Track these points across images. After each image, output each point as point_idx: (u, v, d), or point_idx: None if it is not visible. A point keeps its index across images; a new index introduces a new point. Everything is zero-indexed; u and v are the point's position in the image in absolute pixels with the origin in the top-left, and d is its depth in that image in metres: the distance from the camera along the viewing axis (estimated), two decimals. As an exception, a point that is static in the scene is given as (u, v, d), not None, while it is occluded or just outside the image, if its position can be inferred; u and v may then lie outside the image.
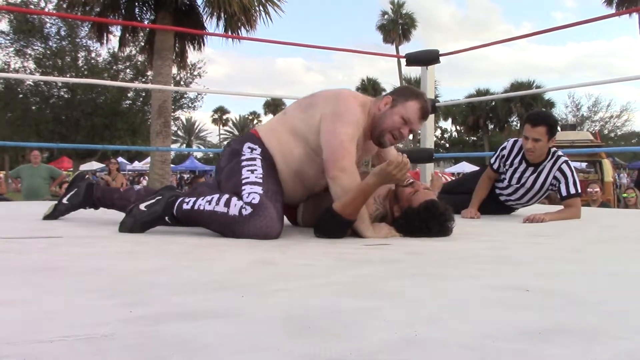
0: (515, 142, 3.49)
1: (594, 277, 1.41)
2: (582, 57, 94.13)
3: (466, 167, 27.65)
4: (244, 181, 2.22)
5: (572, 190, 3.28)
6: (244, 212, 2.12)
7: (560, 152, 3.41)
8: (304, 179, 2.42)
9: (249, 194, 2.17)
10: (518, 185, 3.46)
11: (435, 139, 19.89)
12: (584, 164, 14.48)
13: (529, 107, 37.22)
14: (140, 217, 2.28)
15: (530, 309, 1.06)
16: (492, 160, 3.56)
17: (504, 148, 3.52)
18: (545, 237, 2.38)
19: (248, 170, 2.26)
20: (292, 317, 0.98)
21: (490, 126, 42.81)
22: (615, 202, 11.07)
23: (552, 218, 3.11)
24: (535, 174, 3.39)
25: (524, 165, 3.41)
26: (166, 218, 2.28)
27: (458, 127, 47.51)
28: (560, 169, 3.32)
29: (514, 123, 40.50)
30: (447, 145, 49.81)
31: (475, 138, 46.08)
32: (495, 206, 3.58)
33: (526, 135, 3.28)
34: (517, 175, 3.45)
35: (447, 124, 48.98)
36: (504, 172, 3.50)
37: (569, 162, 3.35)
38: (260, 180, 2.22)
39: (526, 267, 1.56)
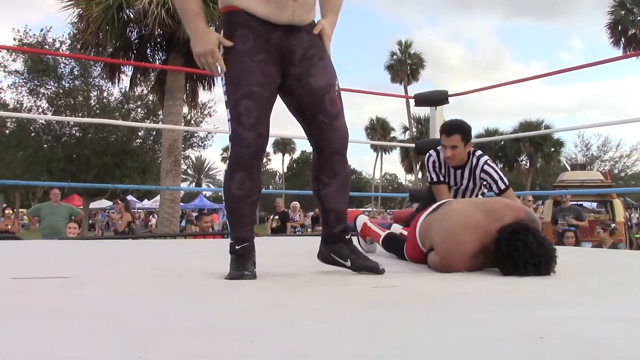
0: (438, 150, 3.66)
1: (606, 322, 1.39)
2: (590, 97, 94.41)
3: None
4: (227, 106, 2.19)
5: (502, 186, 3.47)
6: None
7: (479, 152, 3.57)
8: None
9: (230, 125, 2.16)
10: (458, 186, 3.65)
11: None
12: (594, 204, 14.36)
13: (538, 146, 37.26)
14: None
15: (547, 357, 1.04)
16: (431, 176, 3.68)
17: (433, 160, 3.66)
18: (554, 279, 2.33)
19: (223, 86, 2.19)
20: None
21: (500, 165, 42.84)
22: (627, 243, 10.94)
23: None
24: (462, 173, 3.59)
25: (452, 169, 3.61)
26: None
27: (467, 166, 47.52)
28: (483, 171, 3.50)
29: (523, 162, 40.49)
30: (456, 184, 49.73)
31: (484, 177, 46.01)
32: None
33: (444, 144, 3.49)
34: (452, 177, 3.64)
35: (456, 163, 49.05)
36: (446, 177, 3.66)
37: (489, 160, 3.54)
38: (231, 107, 2.16)
39: (538, 312, 1.54)
